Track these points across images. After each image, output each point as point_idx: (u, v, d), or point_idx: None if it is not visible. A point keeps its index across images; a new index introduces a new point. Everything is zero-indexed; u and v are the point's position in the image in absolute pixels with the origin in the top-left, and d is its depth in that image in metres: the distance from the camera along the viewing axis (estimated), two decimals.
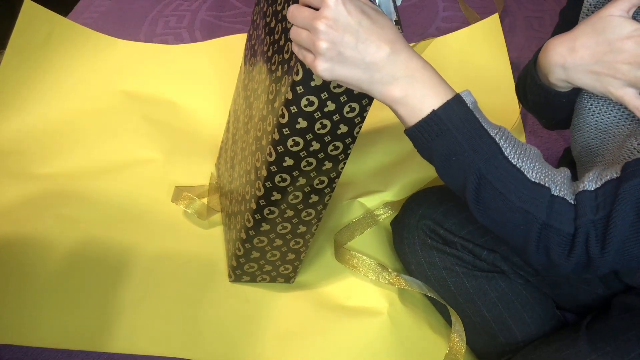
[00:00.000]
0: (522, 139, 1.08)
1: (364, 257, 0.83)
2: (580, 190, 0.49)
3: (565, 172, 0.52)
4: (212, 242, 0.92)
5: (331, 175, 0.70)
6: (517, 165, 0.49)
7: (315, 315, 0.81)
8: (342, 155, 0.68)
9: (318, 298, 0.84)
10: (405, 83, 0.49)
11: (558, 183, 0.50)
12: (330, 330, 0.79)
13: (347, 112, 0.63)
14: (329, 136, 0.65)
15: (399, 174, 0.99)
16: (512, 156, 0.50)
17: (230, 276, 0.84)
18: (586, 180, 0.50)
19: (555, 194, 0.49)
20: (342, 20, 0.47)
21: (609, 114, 0.60)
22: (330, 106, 0.61)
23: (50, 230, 0.92)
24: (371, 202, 0.95)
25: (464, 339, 0.74)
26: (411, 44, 1.32)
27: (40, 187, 1.00)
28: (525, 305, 0.72)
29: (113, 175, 1.02)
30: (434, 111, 0.49)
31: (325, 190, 0.72)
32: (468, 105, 0.50)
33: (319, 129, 0.63)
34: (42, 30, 1.17)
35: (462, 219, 0.74)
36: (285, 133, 0.63)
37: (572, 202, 0.49)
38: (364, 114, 0.63)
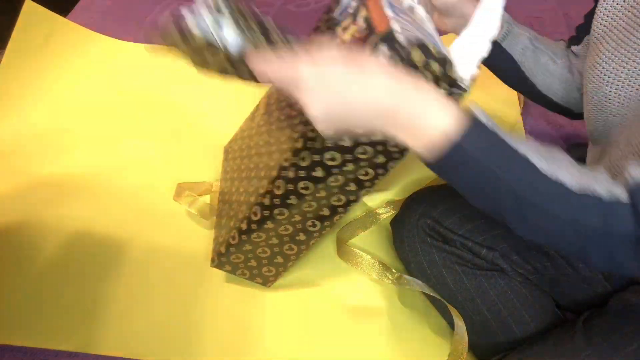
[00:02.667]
0: (522, 138, 1.07)
1: (367, 256, 0.83)
2: (631, 184, 0.45)
3: (602, 171, 0.48)
4: (210, 241, 0.92)
5: (350, 197, 0.71)
6: (555, 179, 0.45)
7: (314, 313, 0.81)
8: (369, 183, 0.69)
9: (316, 296, 0.84)
10: (408, 125, 0.45)
11: (603, 186, 0.45)
12: (328, 329, 0.79)
13: (392, 146, 0.63)
14: (366, 162, 0.65)
15: (400, 174, 0.99)
16: (546, 169, 0.45)
17: (213, 260, 0.81)
18: (632, 172, 0.46)
19: (606, 199, 0.44)
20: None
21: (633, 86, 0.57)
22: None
23: (51, 229, 0.92)
24: (373, 201, 0.95)
25: (466, 341, 0.73)
26: None
27: (40, 187, 1.00)
28: (525, 304, 0.71)
29: (114, 174, 1.02)
30: (454, 142, 0.44)
31: (339, 209, 0.72)
32: (487, 126, 0.45)
33: (360, 153, 0.64)
34: (42, 30, 1.17)
35: (462, 217, 0.74)
36: (327, 145, 0.63)
37: (626, 200, 0.44)
38: (405, 152, 0.64)
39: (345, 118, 0.46)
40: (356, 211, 0.93)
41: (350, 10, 0.70)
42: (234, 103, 1.07)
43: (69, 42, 1.21)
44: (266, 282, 0.84)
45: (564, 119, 1.15)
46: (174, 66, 1.26)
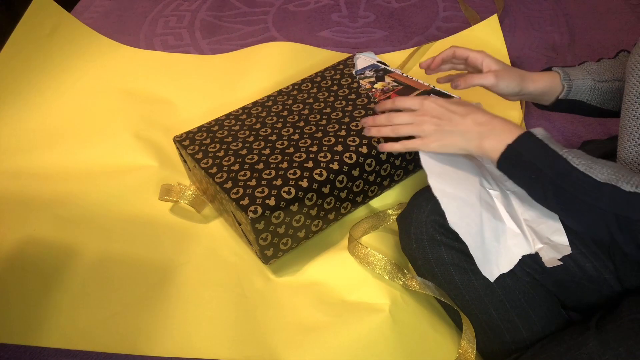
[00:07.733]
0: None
1: (380, 256, 0.82)
2: None
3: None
4: (210, 236, 0.92)
5: (347, 208, 0.89)
6: (586, 172, 0.59)
7: (316, 309, 0.81)
8: (366, 198, 0.91)
9: (320, 290, 0.83)
10: (490, 135, 0.66)
11: (628, 179, 0.56)
12: (329, 325, 0.78)
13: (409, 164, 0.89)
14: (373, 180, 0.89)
15: (413, 178, 0.99)
16: (581, 166, 0.59)
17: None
18: None
19: (627, 189, 0.56)
20: (437, 110, 0.70)
21: None
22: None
23: (49, 231, 0.92)
24: (385, 201, 0.95)
25: (474, 347, 0.73)
26: (413, 48, 1.33)
27: (36, 186, 1.01)
28: (532, 304, 0.71)
29: (108, 177, 1.03)
30: (509, 145, 0.64)
31: (336, 216, 0.88)
32: (537, 136, 0.63)
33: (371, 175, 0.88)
34: (49, 22, 1.18)
35: None
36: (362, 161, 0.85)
37: None
38: (416, 169, 0.93)
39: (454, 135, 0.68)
40: (366, 210, 0.94)
41: (369, 74, 1.03)
42: (230, 105, 1.07)
43: (73, 40, 1.21)
44: (268, 259, 0.84)
45: (564, 120, 1.16)
46: (175, 74, 1.28)
